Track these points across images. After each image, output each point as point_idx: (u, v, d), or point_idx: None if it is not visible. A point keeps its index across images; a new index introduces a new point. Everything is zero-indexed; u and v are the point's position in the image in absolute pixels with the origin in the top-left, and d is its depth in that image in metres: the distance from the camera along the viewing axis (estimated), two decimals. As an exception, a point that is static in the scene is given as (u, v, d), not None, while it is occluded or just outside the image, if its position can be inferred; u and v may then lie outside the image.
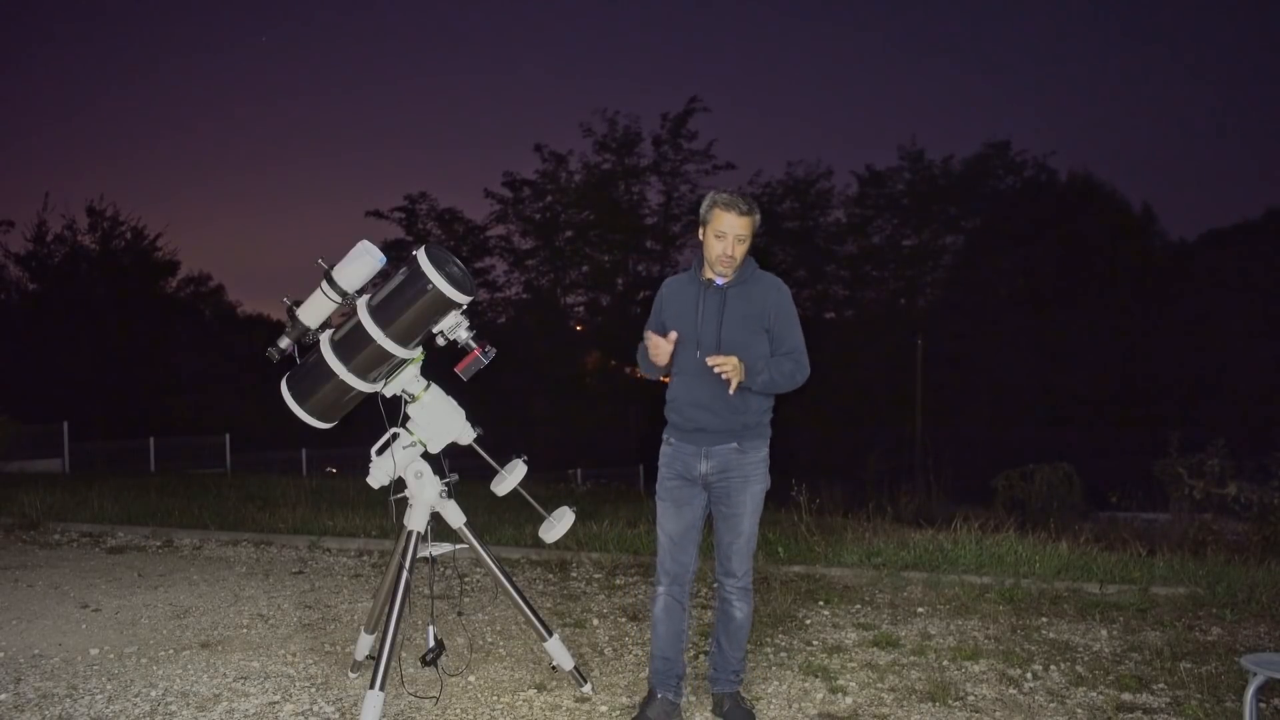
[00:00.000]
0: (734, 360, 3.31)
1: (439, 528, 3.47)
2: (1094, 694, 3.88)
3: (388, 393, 3.36)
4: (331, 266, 3.27)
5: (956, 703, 3.78)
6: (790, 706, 3.76)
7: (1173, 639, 4.56)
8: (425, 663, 3.50)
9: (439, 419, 3.38)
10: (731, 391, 3.35)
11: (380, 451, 3.40)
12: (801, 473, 7.85)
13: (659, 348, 3.43)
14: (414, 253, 3.12)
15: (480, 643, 4.55)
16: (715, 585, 3.64)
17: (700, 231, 3.50)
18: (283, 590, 5.68)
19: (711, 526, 3.59)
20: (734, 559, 3.53)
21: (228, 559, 6.69)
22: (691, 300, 3.52)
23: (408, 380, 3.35)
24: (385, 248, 3.35)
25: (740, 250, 3.43)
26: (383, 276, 3.27)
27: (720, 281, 3.47)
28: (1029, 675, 4.09)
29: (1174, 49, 69.90)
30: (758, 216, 3.45)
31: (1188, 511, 9.38)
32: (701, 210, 3.48)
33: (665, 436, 3.60)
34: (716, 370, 3.30)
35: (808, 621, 4.91)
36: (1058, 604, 5.20)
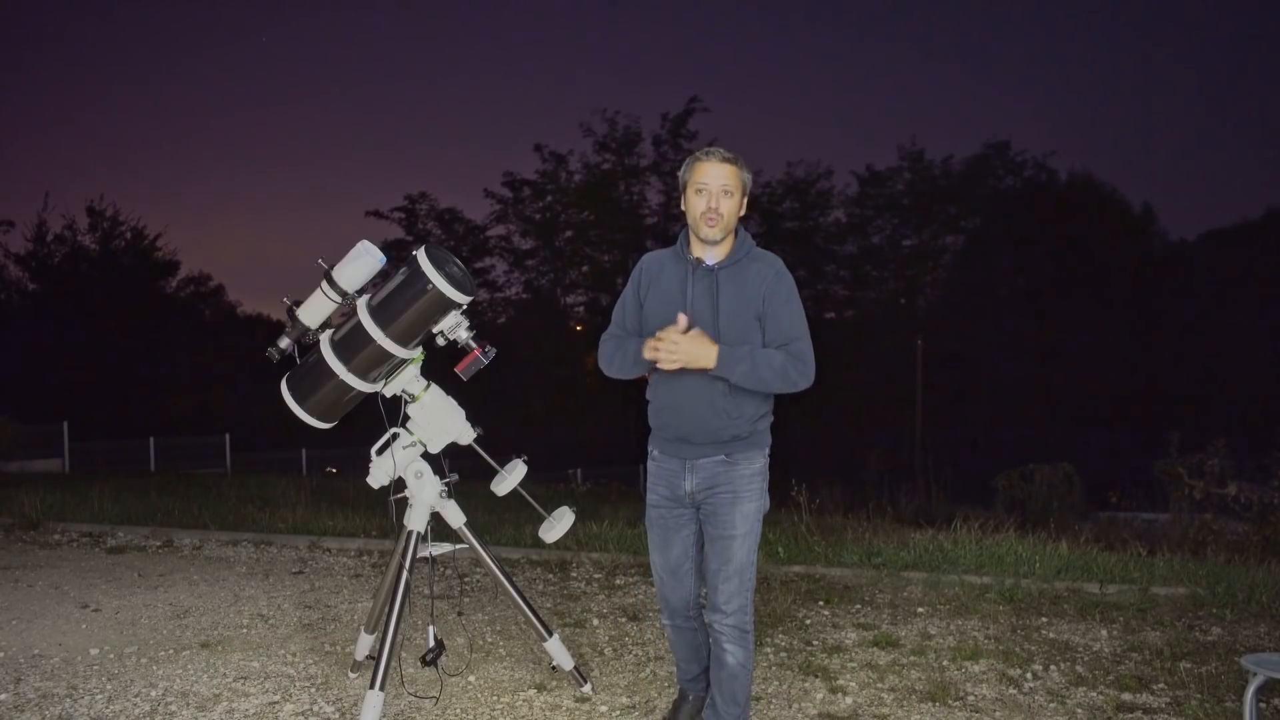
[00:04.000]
0: (697, 335, 2.83)
1: (439, 528, 3.47)
2: (1094, 694, 3.88)
3: (388, 393, 3.36)
4: (331, 266, 3.27)
5: (956, 703, 3.78)
6: (790, 706, 3.75)
7: (1173, 639, 4.56)
8: (425, 663, 3.49)
9: (439, 419, 3.38)
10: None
11: (380, 451, 3.40)
12: (801, 473, 7.87)
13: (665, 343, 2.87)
14: (414, 253, 3.12)
15: (480, 643, 4.55)
16: (707, 623, 3.15)
17: (682, 201, 3.02)
18: (283, 590, 5.68)
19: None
20: (721, 590, 3.00)
21: (228, 559, 6.69)
22: (678, 283, 3.00)
23: (408, 380, 3.35)
24: (385, 248, 3.35)
25: (727, 205, 2.91)
26: (383, 276, 3.27)
27: (710, 261, 2.97)
28: (1029, 675, 4.09)
29: (1174, 49, 70.00)
30: (746, 173, 2.97)
31: (1188, 511, 9.40)
32: (680, 174, 3.02)
33: (649, 448, 3.17)
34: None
35: (808, 621, 4.91)
36: (1058, 604, 5.20)
